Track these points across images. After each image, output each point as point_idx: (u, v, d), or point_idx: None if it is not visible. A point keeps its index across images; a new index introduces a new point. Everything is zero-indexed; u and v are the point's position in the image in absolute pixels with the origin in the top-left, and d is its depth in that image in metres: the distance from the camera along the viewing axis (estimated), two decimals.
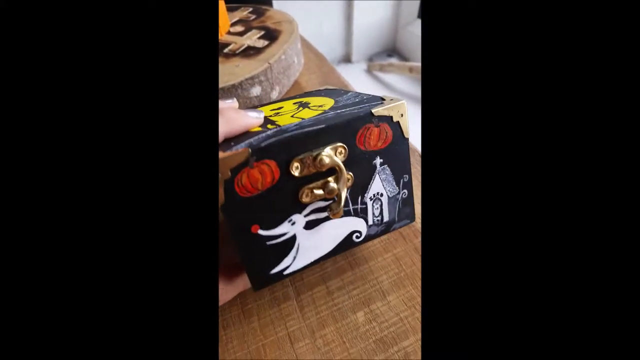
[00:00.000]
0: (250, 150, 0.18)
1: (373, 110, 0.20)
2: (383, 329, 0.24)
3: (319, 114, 0.22)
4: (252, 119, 0.21)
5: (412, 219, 0.25)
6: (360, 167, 0.21)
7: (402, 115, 0.22)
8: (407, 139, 0.23)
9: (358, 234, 0.23)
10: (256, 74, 0.42)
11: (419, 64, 0.83)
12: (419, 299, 0.25)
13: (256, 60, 0.44)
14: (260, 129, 0.21)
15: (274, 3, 0.81)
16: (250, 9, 0.61)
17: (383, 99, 0.23)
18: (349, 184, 0.21)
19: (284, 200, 0.20)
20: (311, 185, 0.20)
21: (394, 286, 0.26)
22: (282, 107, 0.26)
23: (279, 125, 0.21)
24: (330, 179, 0.20)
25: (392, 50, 1.02)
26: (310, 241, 0.22)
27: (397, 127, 0.22)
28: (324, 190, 0.20)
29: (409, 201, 0.25)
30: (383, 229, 0.24)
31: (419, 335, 0.23)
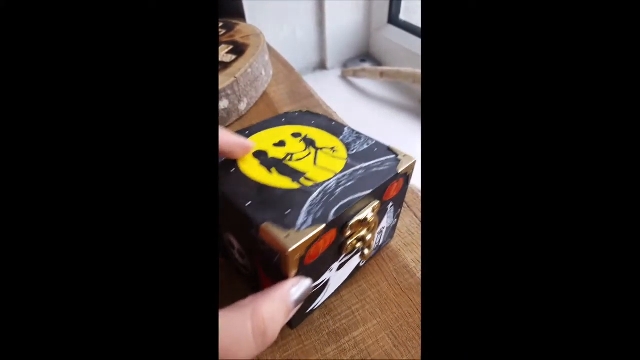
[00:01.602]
0: (324, 225, 0.19)
1: (399, 171, 0.23)
2: (336, 321, 0.26)
3: (345, 168, 0.23)
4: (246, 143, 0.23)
5: (392, 236, 0.30)
6: (380, 213, 0.24)
7: (412, 169, 0.25)
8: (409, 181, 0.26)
9: (363, 261, 0.27)
10: (223, 87, 0.44)
11: (389, 68, 0.86)
12: (369, 292, 0.27)
13: (223, 75, 0.46)
14: (291, 182, 0.22)
15: (247, 12, 0.83)
16: (221, 24, 0.63)
17: (389, 149, 0.25)
18: (374, 226, 0.24)
19: (332, 255, 0.22)
20: (353, 240, 0.23)
21: (347, 282, 0.28)
22: (285, 144, 0.26)
23: (315, 181, 0.22)
24: (365, 232, 0.23)
25: (366, 55, 1.05)
26: (336, 278, 0.25)
27: (407, 178, 0.25)
28: (362, 242, 0.23)
29: (395, 224, 0.29)
30: (376, 251, 0.29)
31: (368, 325, 0.26)
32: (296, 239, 0.18)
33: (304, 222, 0.19)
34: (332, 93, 0.92)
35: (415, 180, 0.37)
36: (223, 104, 0.45)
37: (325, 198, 0.21)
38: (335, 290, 0.26)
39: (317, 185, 0.22)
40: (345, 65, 1.02)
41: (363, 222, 0.22)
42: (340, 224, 0.21)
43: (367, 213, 0.22)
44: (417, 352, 0.24)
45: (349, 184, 0.22)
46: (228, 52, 0.52)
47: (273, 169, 0.23)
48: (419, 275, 0.28)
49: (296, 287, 0.20)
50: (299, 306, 0.20)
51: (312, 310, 0.25)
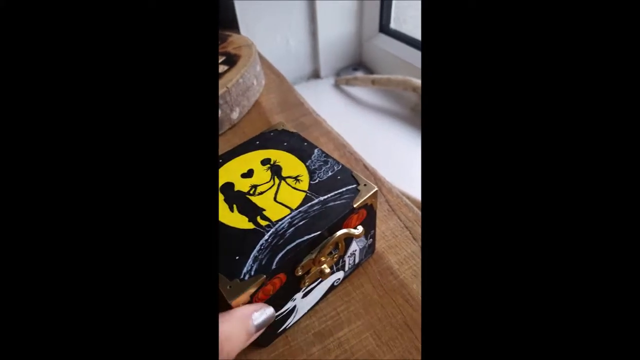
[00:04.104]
0: (265, 276, 0.20)
1: (355, 206, 0.24)
2: (321, 322, 0.27)
3: (303, 202, 0.24)
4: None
5: (373, 252, 0.30)
6: (344, 243, 0.25)
7: (374, 198, 0.25)
8: (376, 209, 0.26)
9: (337, 280, 0.28)
10: None
11: (380, 76, 0.88)
12: (354, 294, 0.28)
13: None
14: (248, 221, 0.23)
15: (240, 23, 0.85)
16: None
17: (353, 177, 0.26)
18: (335, 259, 0.25)
19: (290, 291, 0.24)
20: (310, 275, 0.24)
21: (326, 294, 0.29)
22: (254, 172, 0.27)
23: (271, 221, 0.23)
24: (325, 266, 0.24)
25: (358, 64, 1.07)
26: (305, 301, 0.26)
27: (370, 207, 0.26)
28: (320, 275, 0.24)
29: (372, 242, 0.29)
30: (354, 268, 0.29)
31: (352, 326, 0.26)
32: (238, 291, 0.20)
33: (248, 271, 0.21)
34: (326, 101, 0.93)
35: (400, 184, 0.38)
36: None
37: (275, 241, 0.22)
38: (308, 310, 0.27)
39: (271, 225, 0.23)
40: (338, 74, 1.04)
41: (315, 261, 0.23)
42: (288, 268, 0.22)
43: (323, 258, 0.23)
44: (399, 351, 0.25)
45: (301, 223, 0.23)
46: (220, 63, 0.53)
47: (234, 207, 0.25)
48: (402, 276, 0.29)
49: (258, 312, 0.20)
50: (261, 331, 0.21)
51: (285, 329, 0.26)
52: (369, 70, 1.04)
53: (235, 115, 0.50)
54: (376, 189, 0.25)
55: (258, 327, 0.20)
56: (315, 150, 0.29)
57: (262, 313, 0.21)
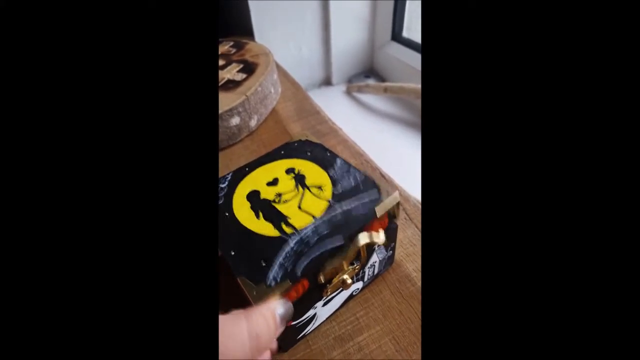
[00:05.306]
0: (290, 282, 0.21)
1: (378, 215, 0.25)
2: (341, 327, 0.28)
3: (326, 212, 0.25)
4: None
5: (391, 264, 0.31)
6: (366, 252, 0.26)
7: (397, 207, 0.26)
8: (397, 219, 0.27)
9: (356, 290, 0.29)
10: (234, 106, 0.47)
11: (393, 84, 0.89)
12: (373, 300, 0.29)
13: (234, 93, 0.49)
14: (273, 228, 0.24)
15: (255, 30, 0.86)
16: (232, 43, 0.66)
17: (376, 186, 0.26)
18: (357, 270, 0.26)
19: (312, 299, 0.24)
20: (333, 285, 0.25)
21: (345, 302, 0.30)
22: (278, 181, 0.28)
23: (295, 228, 0.24)
24: (346, 276, 0.25)
25: (370, 71, 1.08)
26: (325, 309, 0.27)
27: (392, 216, 0.26)
28: (342, 285, 0.25)
29: (392, 254, 0.30)
30: (373, 279, 0.30)
31: (372, 331, 0.27)
32: (264, 296, 0.21)
33: (274, 277, 0.22)
34: (337, 108, 0.94)
35: (414, 192, 0.39)
36: (235, 120, 0.48)
37: (300, 248, 0.23)
38: (328, 317, 0.28)
39: (296, 232, 0.24)
40: (350, 81, 1.05)
41: (339, 268, 0.24)
42: (311, 275, 0.23)
43: (345, 268, 0.24)
44: (418, 356, 0.26)
45: (325, 232, 0.24)
46: (239, 71, 0.55)
47: (260, 214, 0.26)
48: (419, 283, 0.30)
49: (279, 304, 0.21)
50: (284, 322, 0.21)
51: (305, 336, 0.27)
52: (380, 77, 1.05)
53: (253, 122, 0.51)
54: (399, 199, 0.26)
55: (281, 317, 0.21)
56: (338, 160, 0.29)
57: (282, 304, 0.21)
